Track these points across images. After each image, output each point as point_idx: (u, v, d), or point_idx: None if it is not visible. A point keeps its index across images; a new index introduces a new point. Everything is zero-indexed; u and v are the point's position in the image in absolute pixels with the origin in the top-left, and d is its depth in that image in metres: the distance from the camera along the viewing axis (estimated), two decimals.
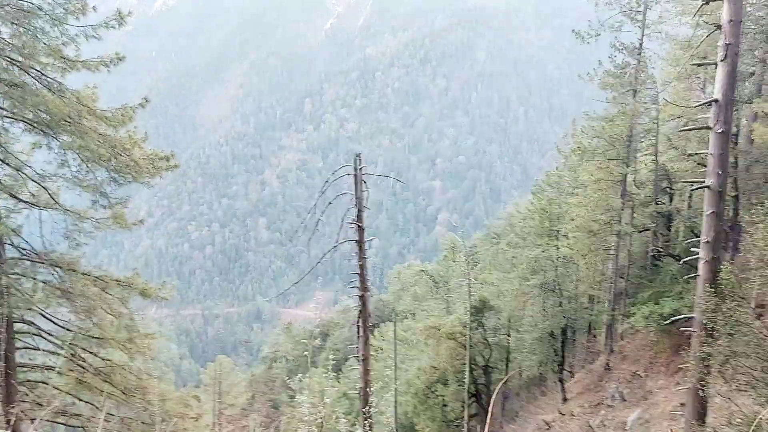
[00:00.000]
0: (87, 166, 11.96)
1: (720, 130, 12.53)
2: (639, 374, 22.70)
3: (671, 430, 16.72)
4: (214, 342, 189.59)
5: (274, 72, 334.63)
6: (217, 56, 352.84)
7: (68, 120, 11.19)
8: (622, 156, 25.42)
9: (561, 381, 28.24)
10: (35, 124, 11.48)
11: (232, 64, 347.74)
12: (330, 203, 14.77)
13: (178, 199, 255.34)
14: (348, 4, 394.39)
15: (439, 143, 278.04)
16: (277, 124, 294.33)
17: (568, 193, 30.56)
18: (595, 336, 32.97)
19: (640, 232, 26.60)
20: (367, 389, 16.39)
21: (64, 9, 10.79)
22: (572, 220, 27.64)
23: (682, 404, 18.01)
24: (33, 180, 11.82)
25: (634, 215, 25.90)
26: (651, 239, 26.55)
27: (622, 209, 25.24)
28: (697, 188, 15.48)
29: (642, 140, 26.78)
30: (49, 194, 11.88)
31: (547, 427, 25.68)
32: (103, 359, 13.05)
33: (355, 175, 15.11)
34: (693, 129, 18.32)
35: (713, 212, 12.74)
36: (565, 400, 27.60)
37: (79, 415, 13.37)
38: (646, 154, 27.51)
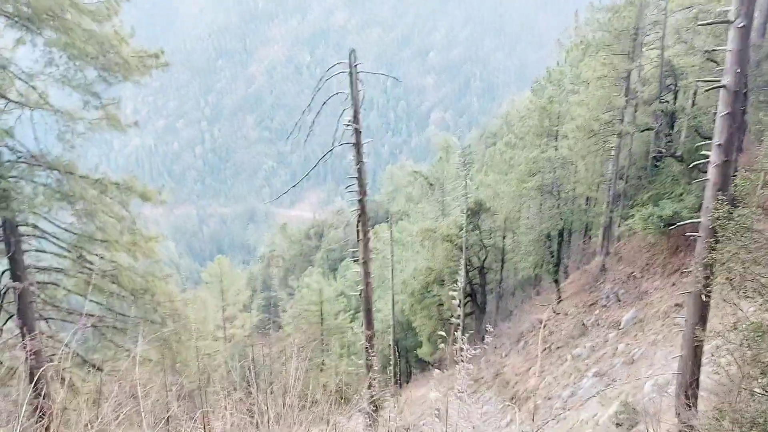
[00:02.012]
0: (75, 65, 11.43)
1: (741, 24, 11.62)
2: (635, 275, 23.02)
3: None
4: (210, 240, 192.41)
5: None
6: None
7: (50, 14, 10.60)
8: (628, 50, 24.35)
9: (556, 281, 28.74)
10: (17, 18, 10.80)
11: None
12: (324, 103, 14.06)
13: (164, 96, 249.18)
14: None
15: (431, 36, 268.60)
16: (261, 15, 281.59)
17: (569, 91, 29.61)
18: (591, 238, 33.27)
19: (642, 131, 26.03)
20: (368, 290, 16.52)
21: None
22: (573, 119, 26.95)
23: (678, 305, 18.36)
24: (20, 78, 11.29)
25: (637, 114, 25.18)
26: (653, 139, 26.03)
27: (625, 108, 24.49)
28: (711, 88, 14.74)
29: (648, 33, 25.50)
30: (38, 94, 11.34)
31: (542, 325, 26.39)
32: (109, 261, 13.19)
33: (351, 74, 14.26)
34: (710, 23, 17.28)
35: (728, 113, 12.08)
36: (559, 300, 28.22)
37: (92, 315, 13.61)
38: (651, 49, 26.32)
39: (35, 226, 12.33)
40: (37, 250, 12.87)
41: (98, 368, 13.22)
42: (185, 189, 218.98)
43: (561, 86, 29.91)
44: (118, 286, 13.20)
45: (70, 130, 11.75)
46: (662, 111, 24.53)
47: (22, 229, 12.03)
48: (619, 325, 20.51)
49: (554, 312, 27.19)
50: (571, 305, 26.27)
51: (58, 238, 12.73)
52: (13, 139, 11.49)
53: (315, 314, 41.24)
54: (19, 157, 11.66)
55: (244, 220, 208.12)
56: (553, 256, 28.79)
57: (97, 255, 13.06)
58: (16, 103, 11.28)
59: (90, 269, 12.96)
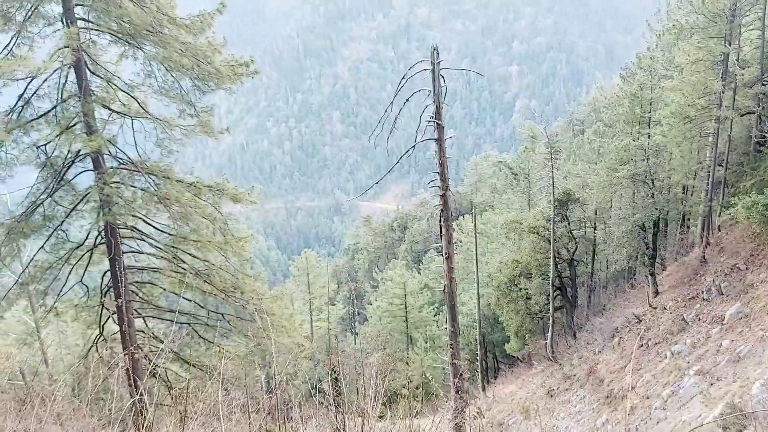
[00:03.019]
0: (172, 76, 12.30)
1: None
2: (738, 267, 21.87)
3: None
4: (297, 234, 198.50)
5: None
6: None
7: (150, 30, 11.42)
8: (724, 33, 23.13)
9: (652, 274, 27.72)
10: (120, 35, 11.78)
11: None
12: (408, 100, 14.41)
13: (255, 96, 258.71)
14: None
15: (515, 24, 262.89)
16: (347, 13, 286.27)
17: (662, 77, 28.44)
18: (689, 228, 31.81)
19: (743, 115, 24.68)
20: (452, 286, 16.66)
21: None
22: (666, 105, 25.91)
23: None
24: (122, 90, 12.25)
25: (736, 98, 23.91)
26: (755, 123, 24.61)
27: (723, 92, 23.29)
28: None
29: (747, 14, 24.10)
30: (139, 103, 12.27)
31: (637, 320, 25.62)
32: (202, 261, 13.81)
33: (433, 70, 14.47)
34: None
35: None
36: (656, 293, 27.24)
37: (184, 312, 14.52)
38: (750, 30, 24.87)
39: (134, 228, 13.05)
40: (135, 251, 13.59)
41: (193, 364, 13.93)
42: (274, 184, 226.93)
43: (652, 72, 28.75)
44: (210, 285, 13.68)
45: (167, 136, 12.61)
46: (764, 94, 23.17)
47: (121, 231, 12.72)
48: (723, 320, 19.59)
49: (651, 306, 26.28)
50: (669, 299, 25.30)
51: (154, 240, 13.41)
52: (116, 147, 12.31)
53: (399, 307, 41.91)
54: (121, 164, 12.46)
55: (330, 213, 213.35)
56: (648, 248, 27.80)
57: (191, 255, 13.65)
58: (119, 113, 12.15)
59: (184, 269, 13.53)
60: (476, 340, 35.62)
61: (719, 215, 24.83)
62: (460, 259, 42.25)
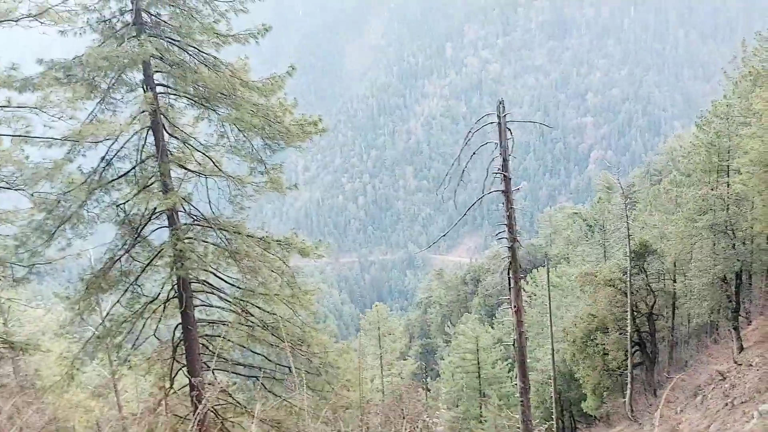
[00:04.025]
0: (243, 136, 12.80)
1: None
2: None
3: None
4: (370, 287, 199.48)
5: (414, 17, 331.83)
6: (359, 7, 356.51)
7: (224, 93, 12.01)
8: None
9: (736, 329, 26.20)
10: (196, 99, 12.48)
11: (375, 13, 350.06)
12: (474, 153, 14.67)
13: (331, 153, 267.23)
14: None
15: (588, 77, 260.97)
16: (420, 72, 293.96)
17: (739, 124, 27.57)
18: None
19: None
20: (522, 340, 16.38)
21: None
22: (745, 153, 25.00)
23: None
24: (198, 150, 12.87)
25: None
26: None
27: None
28: None
29: None
30: (214, 163, 12.81)
31: (722, 378, 24.15)
32: (269, 314, 13.93)
33: (499, 123, 14.79)
34: None
35: None
36: (741, 348, 25.66)
37: (253, 366, 14.69)
38: None
39: (205, 282, 13.34)
40: (205, 305, 13.92)
41: (261, 419, 13.50)
42: (348, 239, 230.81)
43: (729, 119, 27.96)
44: (277, 338, 13.67)
45: (240, 193, 13.01)
46: None
47: (193, 285, 13.03)
48: None
49: (735, 362, 24.73)
50: (755, 355, 23.76)
51: (224, 293, 13.67)
52: (190, 204, 12.79)
53: (472, 363, 41.06)
54: (194, 220, 12.91)
55: (403, 267, 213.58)
56: (731, 301, 26.37)
57: (259, 308, 13.81)
58: (194, 172, 12.79)
59: (252, 322, 13.70)
60: (552, 397, 34.34)
61: None
62: (535, 313, 41.29)
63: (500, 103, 14.93)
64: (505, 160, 14.82)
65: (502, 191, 15.13)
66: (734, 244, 25.76)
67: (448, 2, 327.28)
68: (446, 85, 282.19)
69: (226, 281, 13.67)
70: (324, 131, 13.24)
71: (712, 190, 26.62)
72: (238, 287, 13.70)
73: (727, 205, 25.81)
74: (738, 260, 25.63)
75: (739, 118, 27.94)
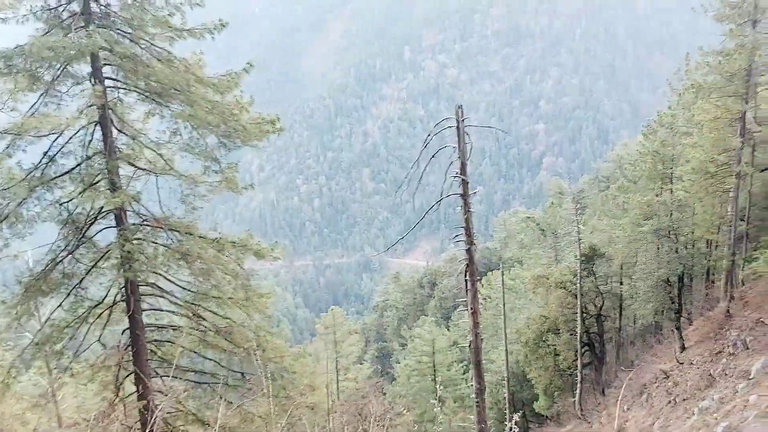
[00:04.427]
0: (198, 133, 12.46)
1: None
2: (763, 321, 21.43)
3: None
4: (326, 291, 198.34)
5: (374, 21, 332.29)
6: (319, 8, 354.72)
7: (178, 88, 11.67)
8: (741, 92, 23.54)
9: (678, 329, 27.23)
10: (147, 94, 12.05)
11: (334, 15, 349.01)
12: (433, 156, 14.82)
13: (287, 153, 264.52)
14: None
15: (542, 84, 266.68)
16: (378, 74, 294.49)
17: (683, 134, 28.77)
18: (713, 282, 31.32)
19: (762, 171, 24.78)
20: (477, 342, 16.60)
21: None
22: (687, 161, 26.12)
23: None
24: (149, 147, 12.44)
25: (755, 154, 24.16)
26: None
27: (742, 148, 23.56)
28: None
29: (762, 74, 24.56)
30: (165, 161, 12.43)
31: (665, 376, 25.03)
32: (222, 318, 13.59)
33: (458, 128, 14.99)
34: None
35: None
36: (683, 348, 26.67)
37: (205, 372, 14.30)
38: (767, 89, 25.25)
39: (154, 285, 12.91)
40: (155, 309, 13.44)
41: (212, 426, 13.27)
42: (303, 241, 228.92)
43: (673, 129, 29.12)
44: (230, 343, 13.41)
45: (192, 193, 12.66)
46: None
47: (142, 288, 12.60)
48: (749, 374, 19.10)
49: (678, 361, 25.68)
50: (695, 354, 24.72)
51: (175, 297, 13.25)
52: (139, 204, 12.35)
53: (428, 366, 41.28)
54: (144, 221, 12.48)
55: (359, 270, 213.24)
56: (673, 303, 27.41)
57: (212, 312, 13.44)
58: (144, 170, 12.31)
59: (205, 326, 13.32)
60: (505, 398, 34.89)
61: (742, 269, 24.56)
62: (489, 316, 41.86)
63: (458, 107, 15.13)
64: (463, 164, 15.02)
65: (460, 195, 15.33)
66: (677, 248, 26.76)
67: (407, 7, 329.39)
68: (404, 88, 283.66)
69: (177, 284, 13.25)
70: (282, 130, 13.05)
71: (656, 196, 27.65)
72: (189, 290, 13.30)
73: (671, 211, 26.82)
74: (680, 263, 26.63)
75: (682, 128, 29.13)
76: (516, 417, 8.54)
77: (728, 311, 24.70)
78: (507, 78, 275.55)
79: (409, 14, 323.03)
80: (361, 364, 51.22)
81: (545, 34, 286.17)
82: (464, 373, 41.24)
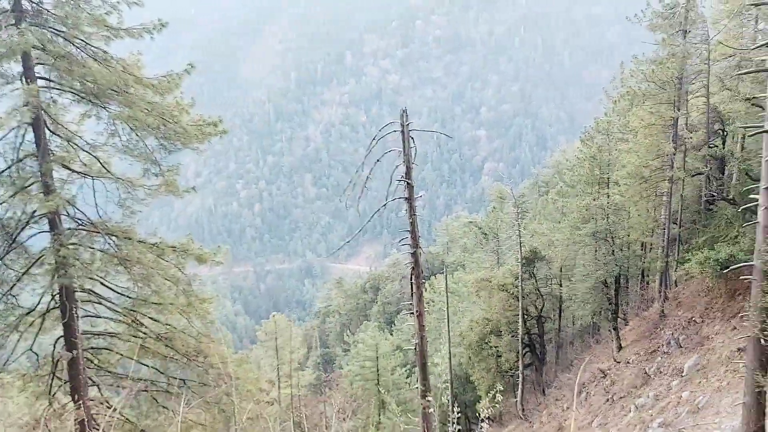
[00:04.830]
0: (137, 135, 12.09)
1: None
2: (695, 320, 22.44)
3: None
4: (266, 298, 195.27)
5: (315, 25, 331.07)
6: (258, 12, 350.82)
7: (115, 89, 11.31)
8: (673, 99, 24.62)
9: (615, 329, 28.18)
10: (83, 95, 11.60)
11: (274, 20, 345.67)
12: (378, 161, 14.80)
13: (225, 158, 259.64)
14: None
15: (483, 92, 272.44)
16: (319, 79, 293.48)
17: (618, 140, 29.84)
18: (648, 283, 32.61)
19: (693, 176, 25.94)
20: (423, 344, 16.66)
21: None
22: (623, 167, 27.07)
23: (740, 350, 17.86)
24: (84, 150, 11.98)
25: (687, 159, 25.26)
26: (704, 183, 25.90)
27: (674, 154, 24.60)
28: (755, 133, 14.94)
29: (693, 82, 25.83)
30: (101, 163, 12.03)
31: (603, 375, 25.82)
32: (163, 324, 13.24)
33: (402, 132, 15.03)
34: (750, 72, 17.56)
35: None
36: (620, 348, 27.61)
37: (143, 379, 13.75)
38: (697, 97, 26.55)
39: (91, 292, 12.49)
40: (91, 315, 12.94)
41: None
42: (243, 247, 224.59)
43: (609, 135, 30.19)
44: (171, 349, 13.11)
45: (130, 196, 12.28)
46: (712, 156, 24.49)
47: (78, 294, 12.14)
48: (682, 372, 19.96)
49: (615, 361, 26.57)
50: (632, 353, 25.66)
51: (113, 303, 12.84)
52: (74, 208, 11.91)
53: (371, 370, 41.22)
54: (79, 225, 12.05)
55: (301, 276, 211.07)
56: (611, 303, 28.37)
57: (151, 318, 13.09)
58: (79, 173, 11.84)
59: (144, 333, 12.98)
60: (449, 401, 35.16)
61: (675, 270, 25.62)
62: (433, 319, 42.17)
63: (403, 111, 15.19)
64: (408, 168, 15.07)
65: (405, 198, 15.37)
66: (613, 251, 27.70)
67: (348, 12, 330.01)
68: (346, 93, 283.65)
69: (115, 290, 12.80)
70: (225, 132, 12.85)
71: (594, 200, 28.54)
72: (128, 296, 12.87)
73: (607, 214, 27.74)
74: (617, 265, 27.59)
75: (618, 135, 30.20)
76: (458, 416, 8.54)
77: (662, 311, 25.73)
78: (449, 84, 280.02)
79: (350, 20, 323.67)
80: (303, 371, 50.52)
81: (486, 42, 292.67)
82: (408, 377, 41.40)
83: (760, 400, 13.08)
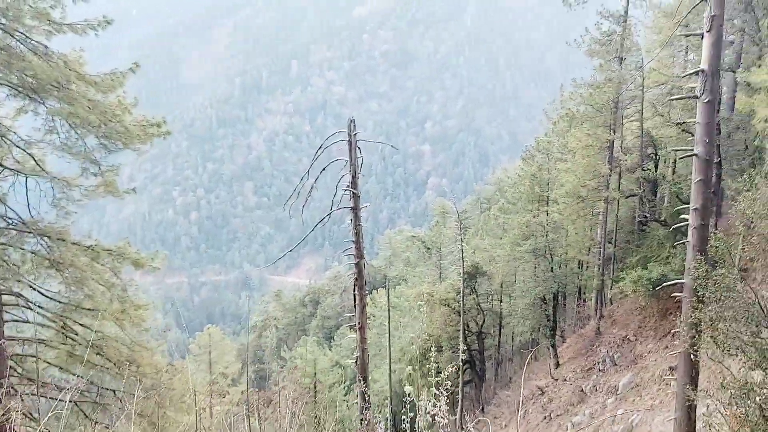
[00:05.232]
0: (76, 133, 11.69)
1: (707, 100, 12.53)
2: (629, 338, 23.05)
3: None
4: (200, 310, 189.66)
5: (261, 33, 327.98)
6: (203, 16, 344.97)
7: (56, 85, 10.91)
8: (609, 122, 25.56)
9: (553, 346, 28.65)
10: (20, 89, 11.10)
11: (219, 24, 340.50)
12: (324, 169, 14.56)
13: (162, 163, 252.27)
14: None
15: (428, 106, 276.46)
16: (264, 87, 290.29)
17: (557, 159, 30.64)
18: (585, 301, 33.42)
19: (627, 197, 26.90)
20: (365, 357, 16.37)
21: None
22: (561, 185, 27.80)
23: (671, 368, 18.37)
24: (18, 146, 11.47)
25: (621, 181, 26.20)
26: (638, 204, 26.85)
27: (610, 175, 25.48)
28: (684, 156, 15.51)
29: (628, 107, 26.89)
30: (35, 161, 11.55)
31: (541, 393, 26.10)
32: (95, 331, 12.71)
33: (350, 141, 14.85)
34: (680, 98, 18.30)
35: (701, 180, 12.78)
36: (557, 365, 28.04)
37: (70, 389, 13.26)
38: (632, 121, 27.65)
39: (19, 295, 12.01)
40: (18, 320, 12.42)
41: None
42: (178, 257, 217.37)
43: (549, 155, 30.98)
44: (102, 358, 12.70)
45: (65, 196, 11.88)
46: (644, 178, 25.45)
47: (5, 297, 11.70)
48: (617, 390, 20.39)
49: (553, 378, 26.93)
50: (569, 370, 26.10)
51: (42, 308, 12.39)
52: (5, 206, 11.51)
53: (308, 387, 40.35)
54: (10, 224, 11.61)
55: (238, 288, 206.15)
56: (549, 320, 28.84)
57: (83, 325, 12.64)
58: (12, 170, 11.40)
59: (74, 340, 12.54)
60: (387, 419, 34.80)
61: (611, 289, 26.35)
62: (373, 335, 41.79)
63: (351, 121, 15.01)
64: (354, 177, 14.86)
65: (351, 208, 15.13)
66: (552, 268, 28.28)
67: (295, 22, 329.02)
68: (290, 102, 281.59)
69: (45, 295, 12.28)
70: (169, 134, 12.59)
71: (534, 217, 29.11)
72: (59, 301, 12.36)
73: (547, 232, 28.34)
74: (555, 282, 28.17)
75: (557, 154, 31.01)
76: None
77: (598, 329, 26.35)
78: (394, 98, 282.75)
79: (297, 29, 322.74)
80: (237, 386, 49.12)
81: (431, 59, 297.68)
82: (346, 395, 40.81)
83: (690, 415, 13.45)
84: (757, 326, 10.42)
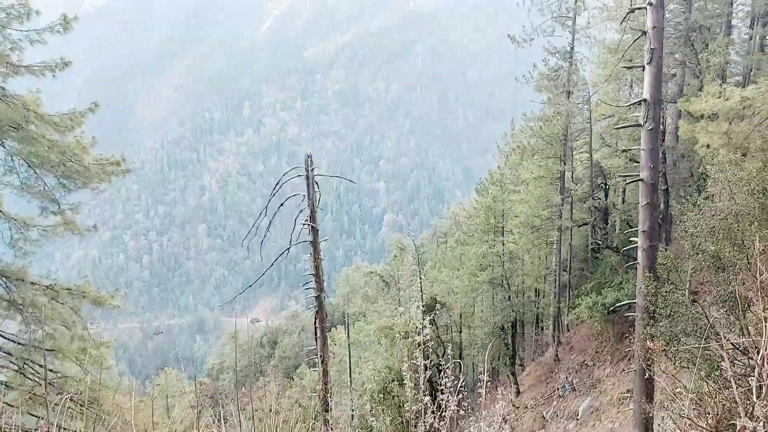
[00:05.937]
0: (35, 173, 11.66)
1: (650, 127, 13.40)
2: (587, 363, 23.55)
3: None
4: (154, 355, 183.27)
5: (212, 74, 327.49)
6: (152, 58, 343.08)
7: (14, 126, 10.91)
8: (560, 154, 26.51)
9: (513, 374, 28.93)
10: None
11: (168, 66, 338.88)
12: (282, 205, 14.69)
13: (112, 207, 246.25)
14: (286, 6, 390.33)
15: (381, 145, 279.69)
16: (216, 128, 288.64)
17: (511, 191, 31.46)
18: (543, 329, 33.98)
19: (580, 226, 27.76)
20: (327, 389, 16.30)
21: (6, 14, 10.43)
22: (516, 216, 28.52)
23: (629, 391, 18.87)
24: None
25: (574, 210, 27.03)
26: (590, 233, 27.75)
27: (562, 205, 26.30)
28: (631, 181, 16.39)
29: (577, 139, 28.01)
30: None
31: (503, 421, 26.23)
32: (54, 372, 12.55)
33: (308, 176, 15.13)
34: (625, 126, 19.37)
35: (648, 203, 13.56)
36: (518, 392, 28.28)
37: (30, 429, 12.89)
38: (581, 152, 28.76)
39: None
40: None
41: None
42: (131, 302, 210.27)
43: (503, 186, 31.81)
44: (63, 398, 12.57)
45: (23, 237, 11.74)
46: (596, 207, 26.43)
47: None
48: (577, 415, 20.74)
49: (514, 406, 27.13)
50: (529, 398, 26.38)
51: (0, 348, 12.15)
52: None
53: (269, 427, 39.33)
54: None
55: (192, 331, 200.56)
56: (508, 348, 29.19)
57: (41, 365, 12.37)
58: None
59: (32, 380, 12.20)
60: None
61: (567, 315, 26.97)
62: (335, 372, 41.28)
63: (308, 156, 15.33)
64: (312, 212, 15.10)
65: (310, 242, 15.30)
66: (509, 297, 28.78)
67: (246, 62, 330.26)
68: (243, 143, 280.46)
69: (3, 336, 11.99)
70: (128, 172, 12.75)
71: (490, 248, 29.66)
72: (17, 342, 12.06)
73: (503, 261, 28.90)
74: (513, 311, 28.63)
75: (510, 186, 31.87)
76: None
77: (557, 355, 26.83)
78: (348, 136, 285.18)
79: (247, 70, 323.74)
80: (196, 430, 47.44)
81: (383, 98, 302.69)
82: None
83: (648, 427, 13.88)
84: (705, 339, 10.95)
